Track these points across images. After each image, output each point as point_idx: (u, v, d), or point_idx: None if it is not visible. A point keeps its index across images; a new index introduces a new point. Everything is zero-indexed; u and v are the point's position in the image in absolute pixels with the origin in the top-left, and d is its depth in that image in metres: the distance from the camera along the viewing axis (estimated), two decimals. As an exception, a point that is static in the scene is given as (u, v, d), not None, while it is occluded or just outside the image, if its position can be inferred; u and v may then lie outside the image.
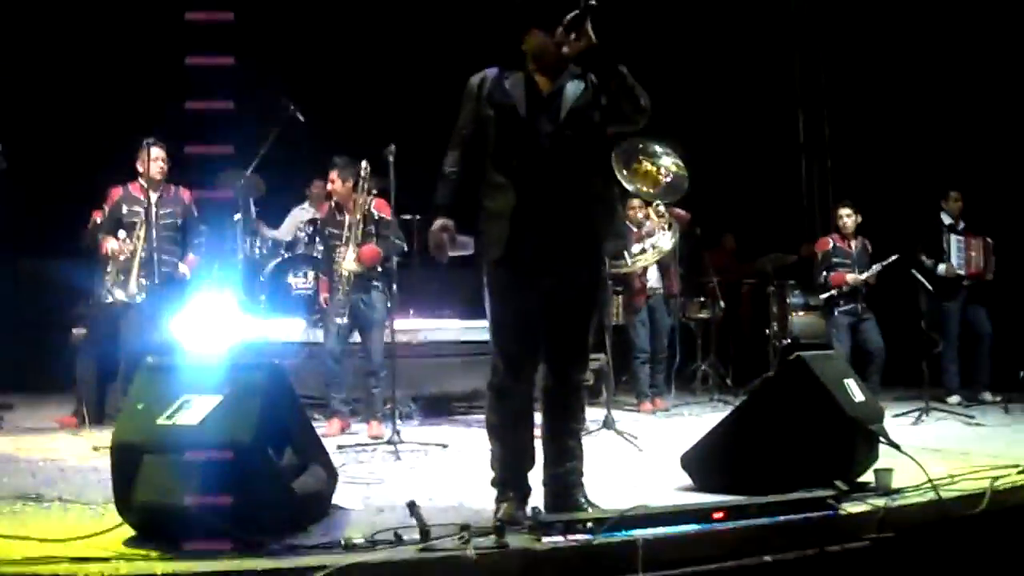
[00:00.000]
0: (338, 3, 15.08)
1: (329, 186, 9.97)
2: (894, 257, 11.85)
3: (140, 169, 9.76)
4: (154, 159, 9.67)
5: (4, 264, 12.34)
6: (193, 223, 10.18)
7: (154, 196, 9.69)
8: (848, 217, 12.12)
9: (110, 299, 9.57)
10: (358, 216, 9.63)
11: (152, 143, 9.68)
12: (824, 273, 12.09)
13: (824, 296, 12.24)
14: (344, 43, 15.00)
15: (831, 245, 12.19)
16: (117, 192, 9.87)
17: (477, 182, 5.73)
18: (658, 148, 9.88)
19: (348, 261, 9.55)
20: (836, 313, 12.10)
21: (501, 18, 5.82)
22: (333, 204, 10.07)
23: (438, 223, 5.73)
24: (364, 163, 9.54)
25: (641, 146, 9.83)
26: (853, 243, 12.14)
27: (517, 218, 5.50)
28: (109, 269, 9.63)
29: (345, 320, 9.54)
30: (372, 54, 14.75)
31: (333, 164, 9.82)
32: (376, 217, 9.70)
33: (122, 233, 9.55)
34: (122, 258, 9.47)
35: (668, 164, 9.82)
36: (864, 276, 11.90)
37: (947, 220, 12.60)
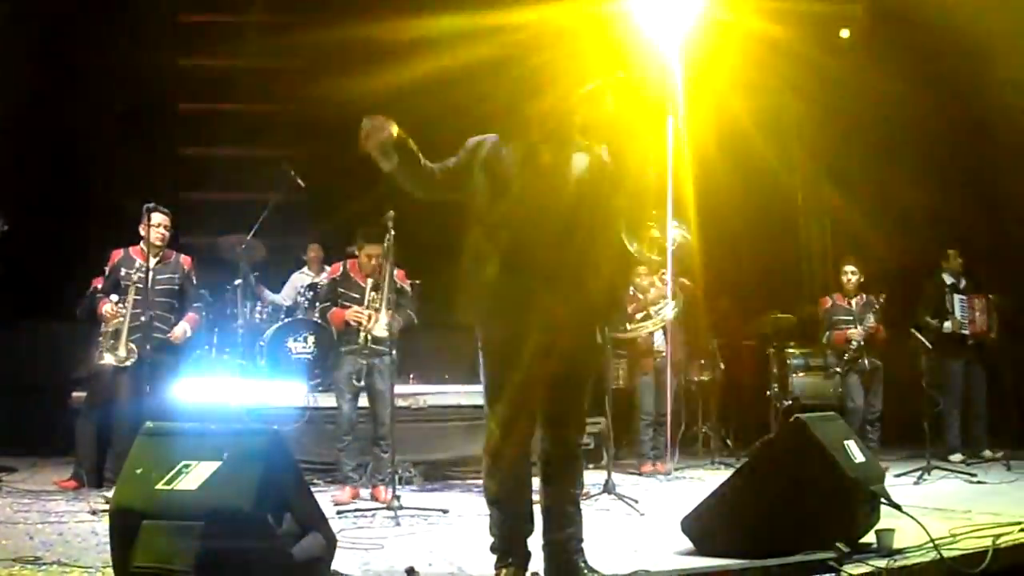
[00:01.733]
0: (336, 69, 15.15)
1: (371, 261, 9.63)
2: (882, 297, 11.90)
3: (143, 233, 9.75)
4: (155, 225, 9.70)
5: (5, 326, 12.34)
6: (192, 290, 10.20)
7: (152, 261, 9.66)
8: (853, 275, 12.12)
9: (103, 362, 9.57)
10: (386, 282, 9.53)
11: (153, 208, 9.69)
12: (828, 333, 12.09)
13: (836, 360, 12.24)
14: (341, 106, 15.05)
15: (830, 303, 12.20)
16: (117, 254, 9.89)
17: (430, 182, 5.72)
18: (664, 221, 9.95)
19: (379, 327, 9.44)
20: (843, 369, 12.08)
21: (510, 84, 5.82)
22: (347, 266, 9.97)
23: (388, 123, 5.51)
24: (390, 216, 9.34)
25: (651, 213, 9.89)
26: (854, 300, 12.13)
27: (501, 289, 5.52)
28: (103, 330, 9.63)
29: (362, 383, 9.50)
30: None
31: (369, 236, 9.62)
32: (398, 286, 9.70)
33: (115, 297, 9.56)
34: (114, 322, 9.48)
35: (674, 235, 9.87)
36: (862, 328, 11.87)
37: (948, 280, 12.63)
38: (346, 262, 10.08)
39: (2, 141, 12.59)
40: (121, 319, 9.47)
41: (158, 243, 9.76)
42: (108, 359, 9.47)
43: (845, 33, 15.88)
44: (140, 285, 9.56)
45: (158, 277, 9.70)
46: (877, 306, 12.10)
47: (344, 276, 9.90)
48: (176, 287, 9.97)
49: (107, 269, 9.85)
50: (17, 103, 12.98)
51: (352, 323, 9.51)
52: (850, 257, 12.35)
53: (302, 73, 15.25)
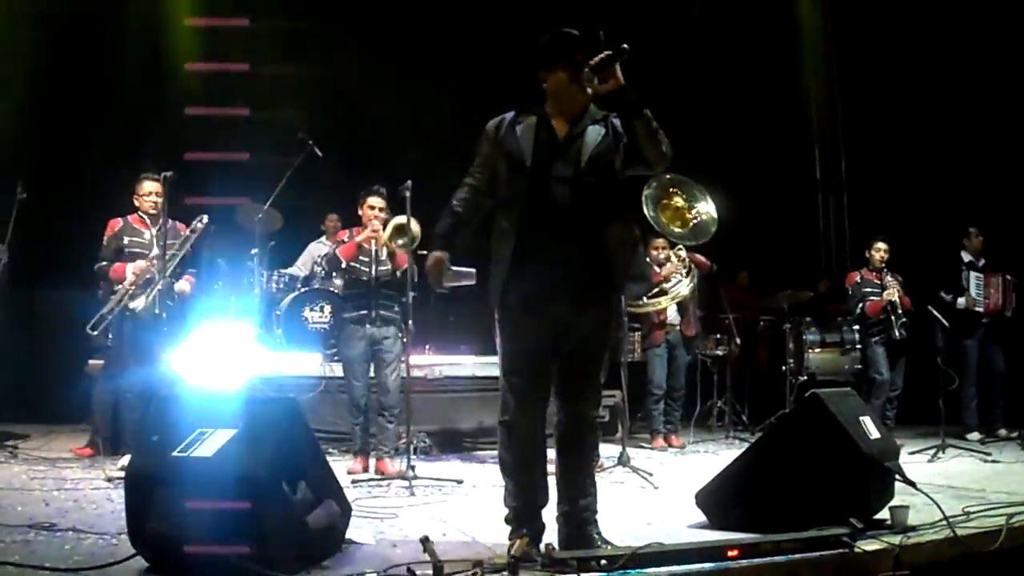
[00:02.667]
0: (357, 37, 15.13)
1: (378, 213, 9.54)
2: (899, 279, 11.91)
3: (136, 203, 9.73)
4: (147, 194, 9.63)
5: (20, 295, 12.35)
6: (190, 254, 9.97)
7: (154, 229, 9.63)
8: (886, 252, 12.05)
9: (132, 304, 9.48)
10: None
11: (144, 177, 9.66)
12: (860, 304, 12.02)
13: (864, 330, 12.22)
14: (361, 78, 15.04)
15: (859, 277, 12.14)
16: (116, 223, 9.75)
17: (483, 221, 5.76)
18: (696, 191, 9.95)
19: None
20: (873, 341, 12.07)
21: (524, 56, 5.82)
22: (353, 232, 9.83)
23: (433, 255, 5.80)
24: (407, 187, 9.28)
25: (678, 182, 9.88)
26: (880, 276, 12.06)
27: (516, 264, 5.53)
28: (118, 288, 9.53)
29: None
30: (390, 89, 14.78)
31: (376, 192, 9.59)
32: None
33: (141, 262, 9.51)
34: (147, 276, 9.43)
35: (701, 208, 9.87)
36: (895, 291, 11.83)
37: (967, 258, 12.59)
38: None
39: (20, 108, 12.58)
40: (152, 270, 9.43)
41: (151, 211, 9.66)
42: (138, 302, 9.42)
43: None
44: (147, 253, 9.53)
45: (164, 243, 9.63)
46: (901, 279, 12.06)
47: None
48: (178, 253, 9.82)
49: (105, 238, 9.74)
50: (32, 69, 12.99)
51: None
52: (881, 235, 12.25)
53: (319, 37, 15.23)
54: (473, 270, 5.84)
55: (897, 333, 11.81)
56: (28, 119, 12.59)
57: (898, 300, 11.72)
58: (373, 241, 9.43)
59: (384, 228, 9.36)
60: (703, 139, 14.30)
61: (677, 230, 10.11)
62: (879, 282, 11.96)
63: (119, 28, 13.92)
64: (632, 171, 5.68)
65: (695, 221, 9.97)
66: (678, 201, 9.95)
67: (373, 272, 9.41)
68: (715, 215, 10.02)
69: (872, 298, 12.04)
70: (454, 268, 5.84)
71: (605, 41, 5.34)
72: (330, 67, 14.93)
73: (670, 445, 11.68)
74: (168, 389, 8.71)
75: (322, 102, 14.57)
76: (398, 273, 9.38)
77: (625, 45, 5.28)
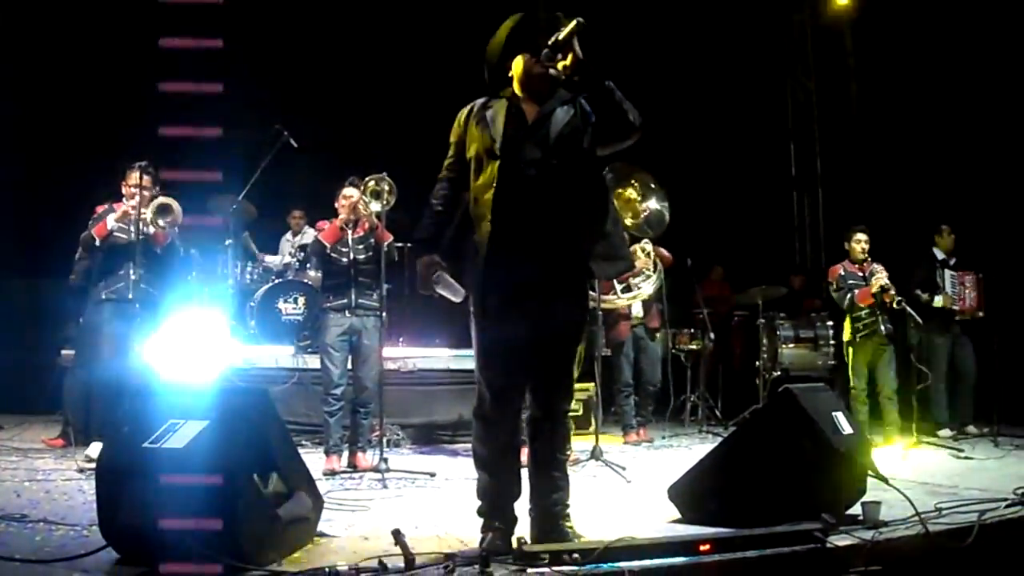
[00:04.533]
0: (332, 31, 15.11)
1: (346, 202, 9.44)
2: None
3: (124, 192, 9.60)
4: (135, 184, 9.49)
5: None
6: (171, 247, 9.86)
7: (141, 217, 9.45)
8: (866, 243, 11.95)
9: (103, 296, 9.44)
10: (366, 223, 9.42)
11: (132, 167, 9.54)
12: (848, 296, 11.90)
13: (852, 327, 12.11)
14: (336, 69, 15.04)
15: (841, 271, 12.05)
16: (101, 209, 9.63)
17: (464, 214, 5.75)
18: (651, 186, 9.95)
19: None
20: (856, 338, 11.94)
21: (492, 45, 5.80)
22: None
23: (424, 259, 5.79)
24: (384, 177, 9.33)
25: (636, 175, 9.88)
26: (863, 268, 11.96)
27: (493, 250, 5.51)
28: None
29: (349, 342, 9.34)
30: (364, 79, 14.78)
31: (350, 183, 9.48)
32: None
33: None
34: (133, 213, 9.33)
35: (651, 204, 9.88)
36: (884, 276, 11.66)
37: (939, 256, 12.60)
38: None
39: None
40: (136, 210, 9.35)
41: (133, 207, 9.45)
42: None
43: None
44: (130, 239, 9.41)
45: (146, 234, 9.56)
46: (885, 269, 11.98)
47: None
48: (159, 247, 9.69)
49: (91, 222, 9.66)
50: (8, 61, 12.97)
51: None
52: (860, 226, 12.18)
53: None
54: (462, 290, 5.81)
55: (883, 327, 11.72)
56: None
57: (888, 283, 11.56)
58: (350, 229, 9.37)
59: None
60: (678, 134, 14.33)
61: (629, 221, 10.10)
62: (862, 273, 11.86)
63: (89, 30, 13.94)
64: (605, 148, 5.63)
65: (644, 214, 9.97)
66: (631, 193, 9.95)
67: (352, 256, 9.33)
68: (666, 213, 10.02)
69: (856, 289, 11.92)
70: (446, 277, 5.83)
71: (564, 19, 5.33)
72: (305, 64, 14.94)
73: (639, 438, 11.66)
74: (140, 380, 8.69)
75: (296, 93, 14.56)
76: (384, 247, 9.28)
77: (580, 18, 5.26)
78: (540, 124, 5.59)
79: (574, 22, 5.26)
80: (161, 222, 9.31)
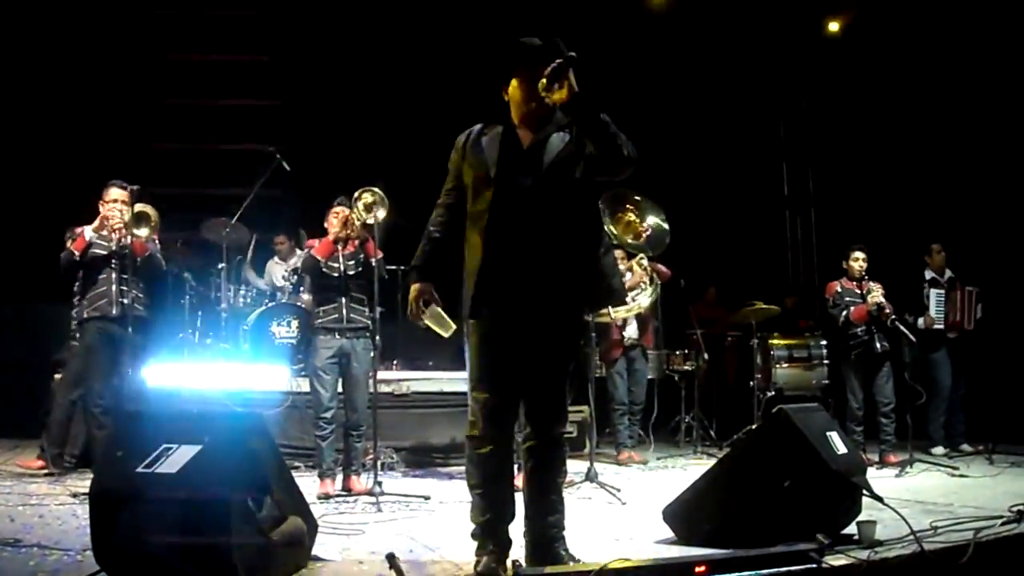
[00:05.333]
0: (328, 54, 15.18)
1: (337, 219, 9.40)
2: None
3: (101, 209, 9.59)
4: (112, 200, 9.47)
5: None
6: (151, 260, 9.76)
7: (115, 238, 9.50)
8: (864, 261, 11.93)
9: (86, 315, 9.44)
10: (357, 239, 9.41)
11: (112, 183, 9.53)
12: (844, 313, 11.89)
13: (845, 345, 12.07)
14: (332, 92, 15.09)
15: (839, 287, 12.03)
16: (79, 229, 9.61)
17: (462, 240, 5.76)
18: (646, 205, 9.97)
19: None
20: (852, 356, 11.94)
21: (486, 69, 5.82)
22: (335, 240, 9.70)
23: (414, 288, 5.84)
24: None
25: (631, 197, 9.90)
26: (861, 286, 11.93)
27: (484, 276, 5.53)
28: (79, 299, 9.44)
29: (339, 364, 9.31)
30: (360, 104, 14.81)
31: (340, 202, 9.43)
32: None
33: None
34: (115, 222, 9.33)
35: (651, 221, 9.89)
36: (879, 293, 11.63)
37: (928, 275, 12.63)
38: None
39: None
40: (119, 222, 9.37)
41: (115, 220, 9.47)
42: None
43: (833, 26, 15.92)
44: (107, 262, 9.43)
45: (127, 252, 9.49)
46: (882, 288, 11.94)
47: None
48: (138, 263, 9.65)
49: (68, 239, 9.61)
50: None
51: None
52: (859, 244, 12.17)
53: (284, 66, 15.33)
54: (452, 325, 5.84)
55: (879, 345, 11.71)
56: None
57: (884, 302, 11.56)
58: (341, 244, 9.35)
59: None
60: (672, 155, 14.36)
61: (631, 241, 10.12)
62: (860, 291, 11.85)
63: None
64: (599, 177, 5.66)
65: (647, 234, 9.99)
66: (630, 215, 9.97)
67: (343, 269, 9.29)
68: (666, 226, 10.03)
69: (856, 305, 11.90)
70: (436, 309, 5.86)
71: (565, 48, 5.33)
72: (295, 96, 15.03)
73: (633, 460, 11.65)
74: (134, 404, 8.67)
75: (287, 129, 14.62)
76: (372, 261, 9.23)
77: (572, 52, 5.27)
78: (535, 151, 5.60)
79: (569, 57, 5.26)
80: (138, 231, 9.25)
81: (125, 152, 13.61)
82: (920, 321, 12.28)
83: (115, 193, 9.51)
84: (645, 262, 11.24)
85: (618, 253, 11.12)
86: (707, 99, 15.58)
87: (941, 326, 12.40)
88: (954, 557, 6.05)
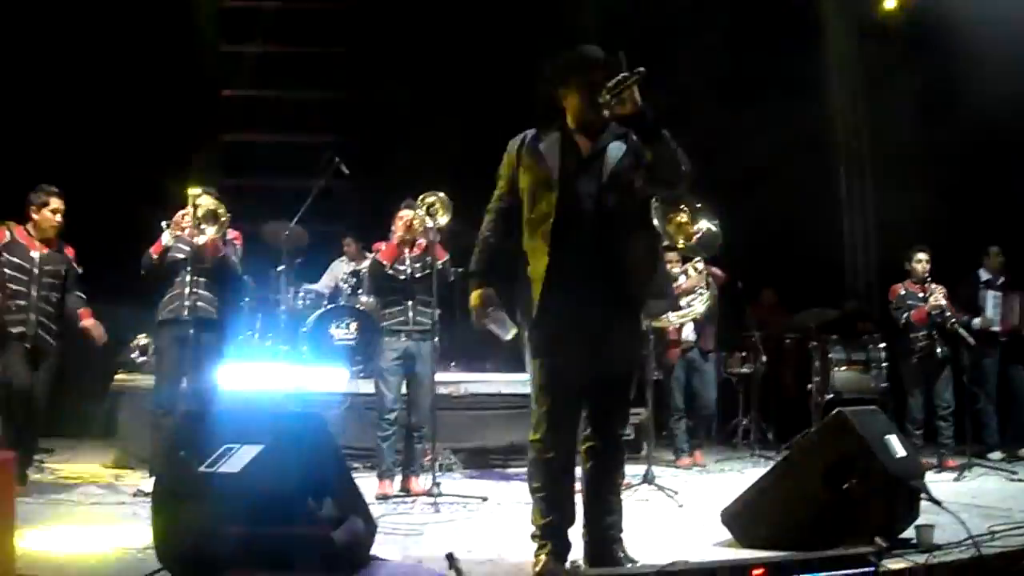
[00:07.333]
0: (379, 56, 15.23)
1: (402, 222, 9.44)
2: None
3: (35, 218, 9.07)
4: (55, 210, 9.08)
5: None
6: (74, 277, 9.41)
7: (43, 251, 9.11)
8: (927, 262, 11.85)
9: (161, 317, 9.31)
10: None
11: (51, 191, 9.09)
12: (905, 315, 11.85)
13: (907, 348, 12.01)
14: (387, 96, 15.15)
15: (903, 290, 11.96)
16: (1, 235, 9.03)
17: (516, 246, 5.78)
18: (699, 205, 9.96)
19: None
20: (912, 360, 11.88)
21: (544, 76, 5.84)
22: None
23: (476, 294, 5.87)
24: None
25: (686, 201, 9.90)
26: (924, 288, 11.85)
27: (551, 280, 5.56)
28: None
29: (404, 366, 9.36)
30: (414, 106, 14.86)
31: (406, 204, 9.47)
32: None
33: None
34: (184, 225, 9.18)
35: (702, 225, 9.88)
36: (943, 299, 11.53)
37: (984, 276, 12.53)
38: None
39: (50, 123, 12.73)
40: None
41: (51, 232, 9.12)
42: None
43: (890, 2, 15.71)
44: (26, 278, 8.98)
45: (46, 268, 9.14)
46: (944, 290, 11.82)
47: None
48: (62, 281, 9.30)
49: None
50: (59, 83, 13.13)
51: None
52: (921, 245, 12.10)
53: (345, 59, 15.39)
54: (513, 328, 5.88)
55: (939, 349, 11.62)
56: (55, 131, 12.74)
57: (946, 304, 11.49)
58: (407, 248, 9.40)
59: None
60: (730, 156, 14.29)
61: (682, 243, 10.12)
62: (922, 294, 11.77)
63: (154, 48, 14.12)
64: (653, 191, 5.70)
65: (697, 236, 9.99)
66: (682, 217, 9.96)
67: (410, 272, 9.36)
68: (716, 230, 10.02)
69: (917, 307, 11.83)
70: (498, 313, 5.89)
71: (627, 60, 5.34)
72: (356, 92, 15.07)
73: (693, 462, 11.65)
74: (198, 404, 8.74)
75: (349, 127, 14.67)
76: (439, 264, 9.27)
77: (641, 68, 5.27)
78: (595, 158, 5.64)
79: (636, 72, 5.27)
80: (208, 229, 9.16)
81: (192, 144, 13.72)
82: (976, 321, 12.20)
83: (57, 203, 9.13)
84: (701, 266, 11.21)
85: (670, 255, 11.12)
86: (764, 98, 15.49)
87: (998, 328, 12.32)
88: (1013, 562, 6.03)
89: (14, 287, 8.88)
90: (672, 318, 11.03)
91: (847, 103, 16.90)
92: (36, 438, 9.26)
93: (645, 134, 5.42)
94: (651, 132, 5.39)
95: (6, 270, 8.85)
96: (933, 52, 14.25)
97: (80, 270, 9.39)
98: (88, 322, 9.42)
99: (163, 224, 9.27)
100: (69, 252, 9.32)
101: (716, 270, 11.45)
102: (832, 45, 16.80)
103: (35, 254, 9.02)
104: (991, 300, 12.38)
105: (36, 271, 8.97)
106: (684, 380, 11.83)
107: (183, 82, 14.33)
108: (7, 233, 8.88)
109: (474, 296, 5.86)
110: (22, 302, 8.92)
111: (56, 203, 9.08)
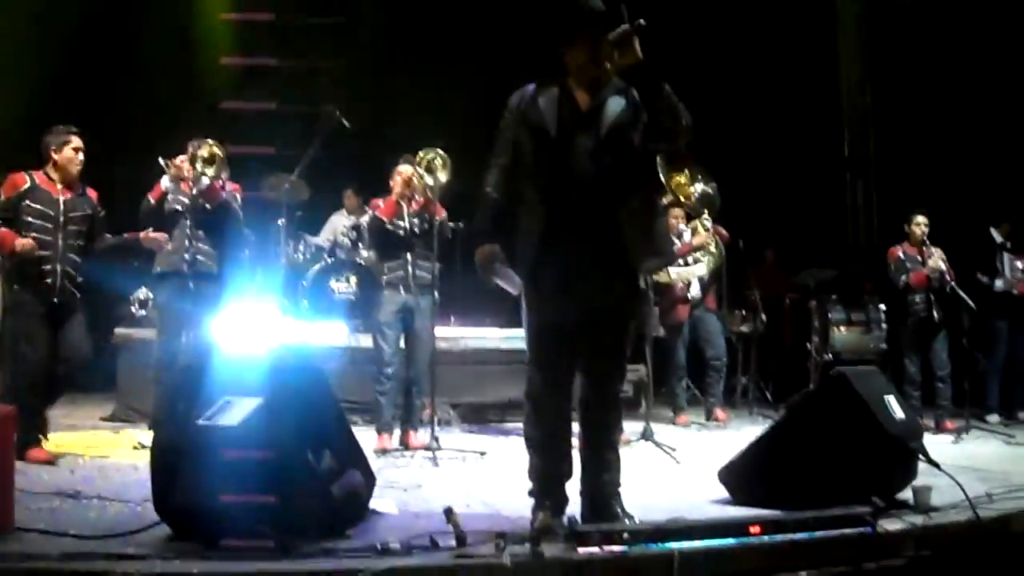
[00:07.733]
0: (377, 25, 15.22)
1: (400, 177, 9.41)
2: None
3: (56, 158, 8.39)
4: (77, 149, 8.44)
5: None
6: (102, 222, 8.79)
7: (67, 195, 8.44)
8: (926, 226, 11.82)
9: (158, 270, 9.26)
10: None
11: (70, 130, 8.50)
12: (903, 277, 11.85)
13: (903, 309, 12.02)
14: (388, 49, 15.10)
15: (901, 252, 11.94)
16: (22, 181, 8.32)
17: (517, 201, 5.76)
18: (698, 173, 9.96)
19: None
20: (909, 322, 11.89)
21: (544, 29, 5.81)
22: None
23: (482, 249, 5.80)
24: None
25: (688, 163, 9.89)
26: (922, 251, 11.83)
27: (547, 236, 5.56)
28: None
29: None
30: (415, 61, 14.80)
31: (404, 160, 9.48)
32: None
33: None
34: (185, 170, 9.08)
35: (698, 188, 9.88)
36: (941, 262, 11.53)
37: (998, 238, 12.51)
38: None
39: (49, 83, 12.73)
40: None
41: (74, 174, 8.51)
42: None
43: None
44: (51, 226, 8.31)
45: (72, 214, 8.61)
46: (943, 254, 11.81)
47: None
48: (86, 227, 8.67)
49: (3, 195, 8.40)
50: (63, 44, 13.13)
51: None
52: (921, 209, 12.08)
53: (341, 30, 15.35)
54: (520, 282, 5.86)
55: (936, 313, 11.61)
56: (58, 87, 12.73)
57: (945, 268, 11.48)
58: (405, 203, 9.38)
59: None
60: (731, 118, 14.27)
61: (682, 200, 10.12)
62: (920, 257, 11.75)
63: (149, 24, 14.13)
64: (654, 146, 5.68)
65: (695, 195, 9.99)
66: (681, 177, 9.96)
67: (409, 227, 9.35)
68: (713, 192, 10.01)
69: (916, 270, 11.81)
70: (504, 268, 5.87)
71: (627, 14, 5.31)
72: (354, 58, 15.04)
73: (715, 419, 11.71)
74: (196, 358, 8.73)
75: (346, 93, 14.63)
76: (436, 219, 9.26)
77: (641, 20, 5.25)
78: (593, 114, 5.61)
79: (638, 24, 5.25)
80: (209, 171, 9.02)
81: (195, 111, 13.68)
82: (999, 283, 12.19)
83: (78, 141, 8.49)
84: (708, 223, 11.19)
85: (675, 211, 11.09)
86: (766, 59, 15.44)
87: (1016, 291, 12.28)
88: (1009, 524, 6.05)
89: (39, 236, 8.17)
90: (672, 273, 11.04)
91: (852, 65, 16.84)
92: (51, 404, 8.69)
93: (645, 86, 5.40)
94: (651, 84, 5.36)
95: (29, 218, 8.18)
96: (938, 16, 14.24)
97: (103, 212, 8.79)
98: (145, 233, 8.94)
99: (160, 161, 9.15)
100: (92, 194, 8.66)
101: (721, 230, 11.43)
102: (840, 11, 16.74)
103: (60, 199, 8.36)
104: (1008, 263, 12.36)
105: (62, 218, 8.31)
106: (689, 339, 11.82)
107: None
108: (27, 178, 8.26)
109: (480, 252, 5.84)
110: (47, 252, 8.20)
111: (77, 141, 8.47)
